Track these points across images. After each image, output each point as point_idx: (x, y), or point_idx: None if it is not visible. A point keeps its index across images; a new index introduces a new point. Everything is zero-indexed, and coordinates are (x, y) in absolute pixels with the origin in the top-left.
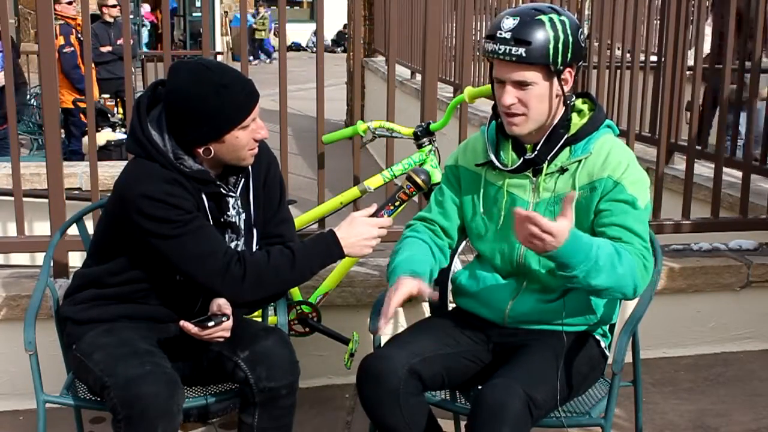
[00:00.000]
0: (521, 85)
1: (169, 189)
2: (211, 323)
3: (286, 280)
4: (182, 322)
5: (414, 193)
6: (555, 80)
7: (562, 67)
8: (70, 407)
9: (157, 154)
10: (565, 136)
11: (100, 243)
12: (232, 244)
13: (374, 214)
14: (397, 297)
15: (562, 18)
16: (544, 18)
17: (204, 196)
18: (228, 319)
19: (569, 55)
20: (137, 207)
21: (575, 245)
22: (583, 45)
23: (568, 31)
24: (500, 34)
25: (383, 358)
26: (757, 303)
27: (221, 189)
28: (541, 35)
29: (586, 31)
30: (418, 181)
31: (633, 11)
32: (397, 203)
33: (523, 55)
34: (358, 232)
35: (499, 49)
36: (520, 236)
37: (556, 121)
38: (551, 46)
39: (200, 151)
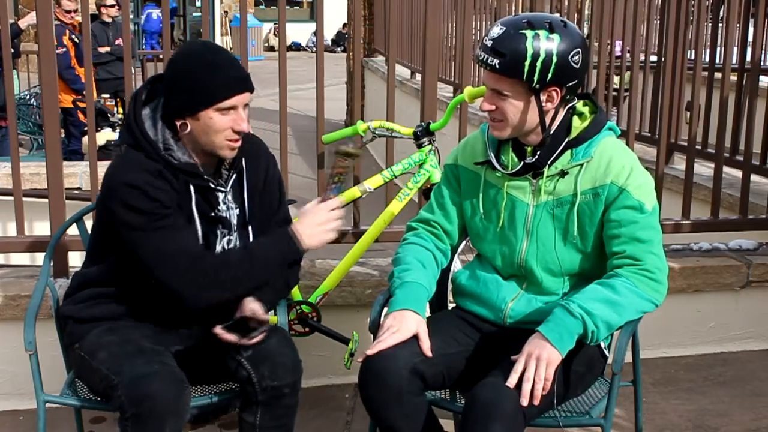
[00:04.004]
0: (499, 93)
1: (150, 179)
2: (256, 334)
3: (243, 280)
4: (219, 331)
5: (348, 162)
6: (533, 96)
7: (539, 86)
8: (70, 407)
9: (145, 143)
10: (566, 140)
11: (95, 241)
12: (224, 240)
13: (322, 201)
14: (394, 340)
15: (553, 36)
16: (528, 33)
17: (192, 189)
18: (267, 326)
19: (550, 75)
20: (117, 195)
21: (562, 335)
22: (575, 67)
23: (554, 51)
24: (485, 40)
25: (386, 357)
26: (757, 303)
27: (209, 183)
28: (517, 50)
29: (579, 54)
30: (347, 149)
31: (633, 11)
32: (336, 179)
33: (497, 66)
34: (312, 221)
35: (480, 56)
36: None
37: (556, 126)
38: (527, 63)
39: (178, 124)
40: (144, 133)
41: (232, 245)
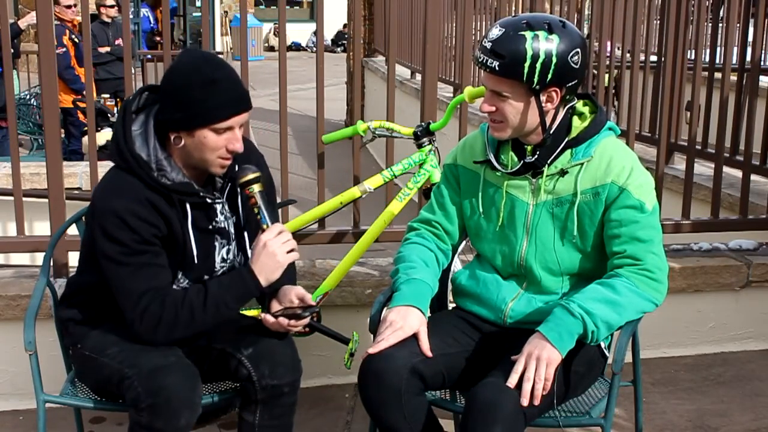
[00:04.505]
0: (498, 95)
1: (137, 209)
2: (307, 313)
3: (199, 323)
4: (268, 317)
5: (253, 188)
6: (533, 97)
7: (538, 87)
8: (70, 407)
9: (137, 166)
10: (566, 140)
11: (85, 252)
12: (224, 250)
13: (261, 233)
14: (396, 338)
15: (552, 36)
16: (527, 34)
17: (189, 207)
18: (317, 308)
19: (549, 76)
20: (99, 220)
21: (562, 335)
22: (575, 67)
23: (553, 52)
24: (484, 42)
25: (385, 357)
26: (757, 303)
27: (206, 199)
28: (517, 51)
29: (578, 54)
30: (244, 178)
31: (633, 11)
32: (256, 210)
33: (496, 68)
34: (262, 255)
35: (479, 58)
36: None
37: (556, 125)
38: (527, 65)
39: (171, 137)
40: (134, 154)
41: (230, 255)
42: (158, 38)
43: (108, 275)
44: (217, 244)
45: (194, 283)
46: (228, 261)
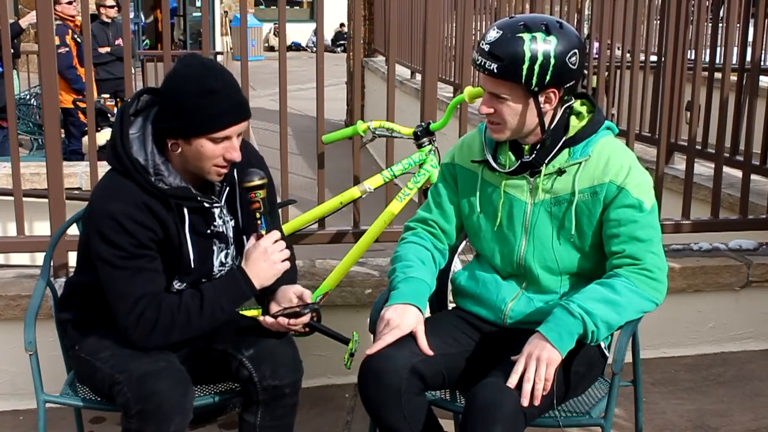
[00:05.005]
0: (497, 96)
1: (134, 213)
2: (307, 311)
3: (195, 325)
4: (268, 318)
5: (257, 193)
6: (531, 99)
7: (537, 88)
8: (70, 407)
9: (134, 170)
10: (564, 139)
11: (82, 253)
12: (222, 254)
13: (257, 239)
14: (393, 337)
15: (550, 38)
16: (525, 36)
17: (186, 211)
18: (315, 305)
19: (548, 78)
20: (96, 223)
21: (562, 335)
22: (573, 68)
23: (551, 53)
24: (482, 44)
25: (385, 357)
26: (757, 303)
27: (204, 203)
28: (515, 54)
29: (576, 54)
30: (251, 183)
31: (633, 11)
32: (257, 216)
33: (494, 71)
34: (258, 260)
35: (477, 60)
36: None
37: (554, 125)
38: (525, 67)
39: (169, 144)
40: (131, 158)
41: (229, 258)
42: (144, 37)
43: (103, 278)
44: (215, 248)
45: (191, 287)
46: (226, 265)
